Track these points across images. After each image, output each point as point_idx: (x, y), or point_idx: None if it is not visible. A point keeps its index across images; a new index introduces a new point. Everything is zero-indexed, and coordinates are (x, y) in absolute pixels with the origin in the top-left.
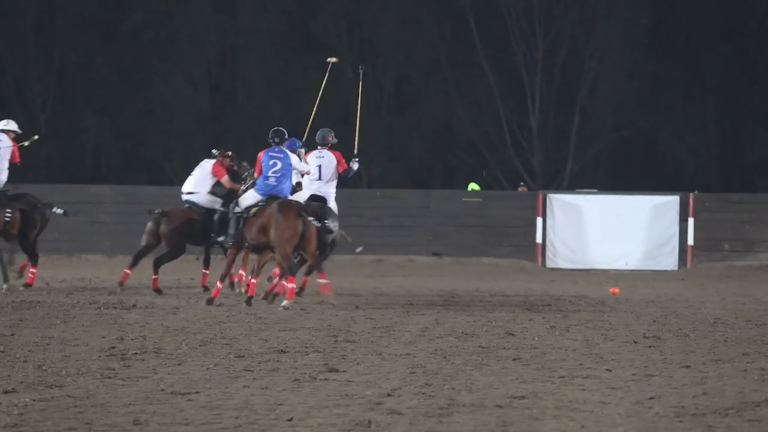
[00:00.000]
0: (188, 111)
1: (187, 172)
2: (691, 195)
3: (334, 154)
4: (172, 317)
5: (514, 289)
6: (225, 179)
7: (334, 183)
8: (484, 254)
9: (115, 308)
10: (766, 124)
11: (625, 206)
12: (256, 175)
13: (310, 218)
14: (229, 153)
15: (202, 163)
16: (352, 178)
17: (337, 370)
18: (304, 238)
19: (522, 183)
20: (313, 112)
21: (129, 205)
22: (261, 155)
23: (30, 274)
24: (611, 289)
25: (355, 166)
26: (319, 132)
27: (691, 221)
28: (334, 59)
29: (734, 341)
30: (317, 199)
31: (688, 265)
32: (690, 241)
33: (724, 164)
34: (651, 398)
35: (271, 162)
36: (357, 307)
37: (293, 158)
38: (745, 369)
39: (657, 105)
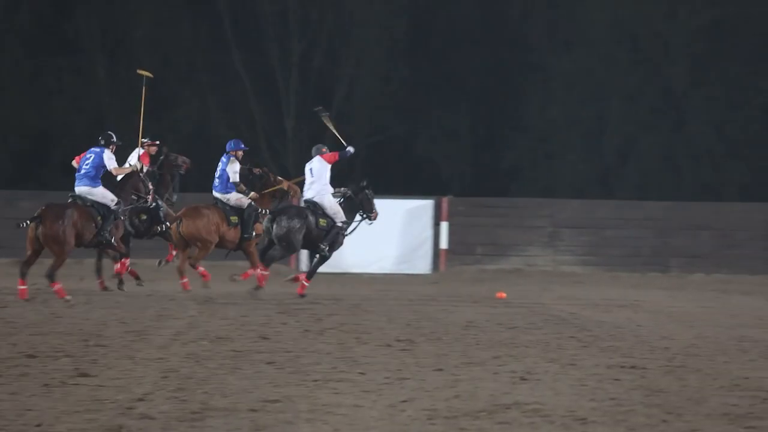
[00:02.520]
0: None
1: None
2: (445, 199)
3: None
4: None
5: (268, 292)
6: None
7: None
8: (239, 258)
9: None
10: (519, 131)
11: (379, 210)
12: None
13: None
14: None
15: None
16: None
17: (88, 375)
18: None
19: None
20: (141, 127)
21: None
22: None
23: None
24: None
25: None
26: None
27: (444, 225)
28: (147, 73)
29: (486, 344)
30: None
31: (441, 268)
32: (443, 244)
33: (478, 169)
34: (404, 401)
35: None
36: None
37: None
38: (496, 372)
39: (413, 110)
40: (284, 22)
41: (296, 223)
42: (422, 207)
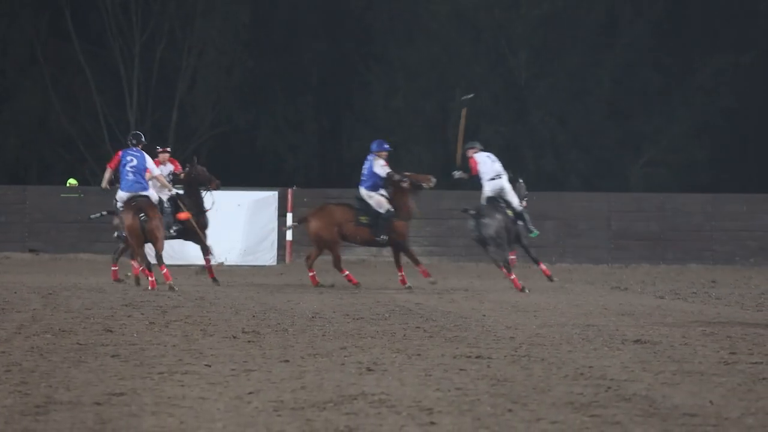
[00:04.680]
0: None
1: None
2: (290, 190)
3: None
4: None
5: (112, 285)
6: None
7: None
8: (83, 250)
9: None
10: (363, 121)
11: (223, 201)
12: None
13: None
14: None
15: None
16: None
17: None
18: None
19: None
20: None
21: None
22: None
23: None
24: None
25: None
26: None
27: (289, 216)
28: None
29: (332, 335)
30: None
31: (287, 260)
32: (288, 236)
33: (322, 160)
34: (250, 393)
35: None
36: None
37: None
38: (342, 363)
39: (256, 101)
40: (126, 13)
41: (499, 219)
42: (267, 198)
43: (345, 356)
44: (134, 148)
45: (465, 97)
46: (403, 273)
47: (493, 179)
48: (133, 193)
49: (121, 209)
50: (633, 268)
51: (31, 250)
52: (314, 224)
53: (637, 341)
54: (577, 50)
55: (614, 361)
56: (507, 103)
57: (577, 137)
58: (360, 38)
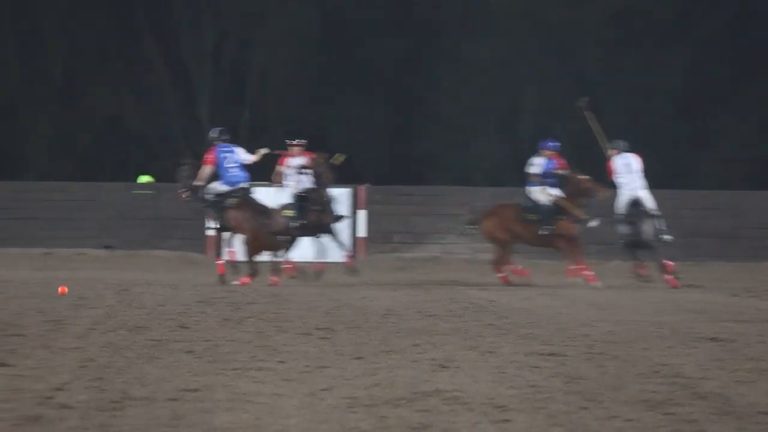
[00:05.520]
0: None
1: None
2: (362, 187)
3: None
4: None
5: (185, 281)
6: None
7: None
8: (155, 247)
9: None
10: (434, 118)
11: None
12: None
13: None
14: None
15: None
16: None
17: (5, 365)
18: None
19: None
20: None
21: None
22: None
23: None
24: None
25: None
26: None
27: (362, 213)
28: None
29: (405, 332)
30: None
31: (360, 256)
32: (361, 233)
33: (393, 157)
34: (324, 389)
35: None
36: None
37: None
38: (416, 359)
39: (327, 99)
40: (197, 9)
41: (649, 222)
42: (339, 196)
43: (418, 353)
44: (226, 144)
45: (580, 103)
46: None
47: (630, 182)
48: (236, 186)
49: (227, 203)
50: (705, 266)
51: (105, 247)
52: (487, 225)
53: (712, 339)
54: (647, 46)
55: (689, 359)
56: (575, 99)
57: (647, 134)
58: (430, 35)
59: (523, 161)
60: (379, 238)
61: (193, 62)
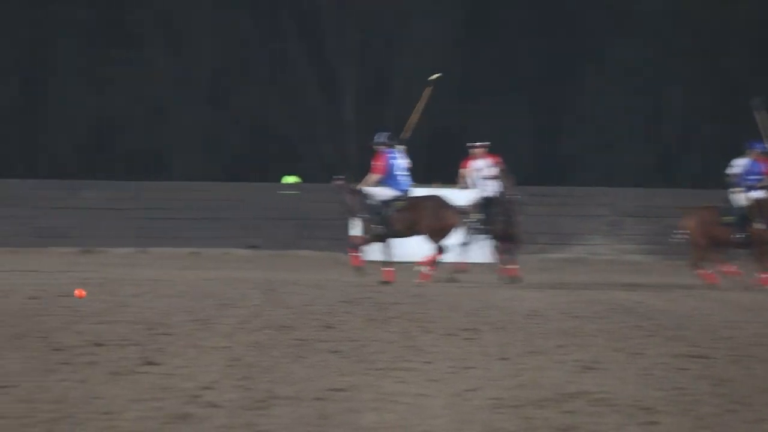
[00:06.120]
0: None
1: None
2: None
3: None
4: None
5: (331, 281)
6: None
7: None
8: (301, 247)
9: None
10: (579, 119)
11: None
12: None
13: None
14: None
15: None
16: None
17: (154, 363)
18: None
19: (340, 176)
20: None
21: None
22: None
23: None
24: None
25: None
26: None
27: None
28: (437, 75)
29: (550, 333)
30: None
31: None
32: None
33: (537, 158)
34: (469, 390)
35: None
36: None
37: None
38: (560, 361)
39: (471, 99)
40: (342, 10)
41: None
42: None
43: (563, 354)
44: (392, 149)
45: (754, 102)
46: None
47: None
48: (404, 192)
49: (396, 207)
50: None
51: (250, 247)
52: (687, 227)
53: None
54: None
55: None
56: (724, 101)
57: None
58: (575, 35)
59: (668, 162)
60: (524, 238)
61: (337, 63)
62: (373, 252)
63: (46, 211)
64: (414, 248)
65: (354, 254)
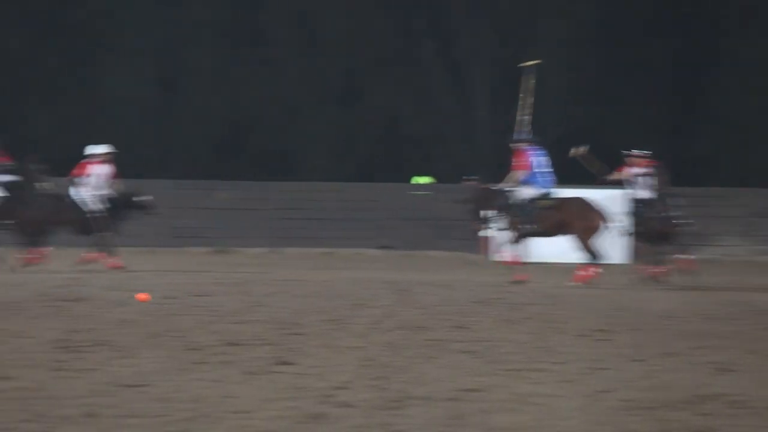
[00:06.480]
0: (133, 104)
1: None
2: None
3: None
4: (123, 309)
5: (462, 281)
6: None
7: None
8: (432, 247)
9: (65, 301)
10: (715, 119)
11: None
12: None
13: None
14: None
15: None
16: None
17: (288, 363)
18: None
19: (472, 176)
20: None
21: None
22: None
23: None
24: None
25: None
26: None
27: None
28: (532, 63)
29: (684, 335)
30: None
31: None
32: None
33: (670, 158)
34: (602, 391)
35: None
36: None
37: None
38: (695, 363)
39: (602, 99)
40: (476, 11)
41: None
42: (614, 196)
43: (698, 356)
44: (536, 147)
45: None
46: None
47: None
48: (547, 190)
49: (542, 205)
50: None
51: (381, 247)
52: None
53: None
54: None
55: None
56: None
57: None
58: (709, 33)
59: None
60: (685, 238)
61: (469, 63)
62: (505, 252)
63: (182, 212)
64: (548, 248)
65: (504, 254)
